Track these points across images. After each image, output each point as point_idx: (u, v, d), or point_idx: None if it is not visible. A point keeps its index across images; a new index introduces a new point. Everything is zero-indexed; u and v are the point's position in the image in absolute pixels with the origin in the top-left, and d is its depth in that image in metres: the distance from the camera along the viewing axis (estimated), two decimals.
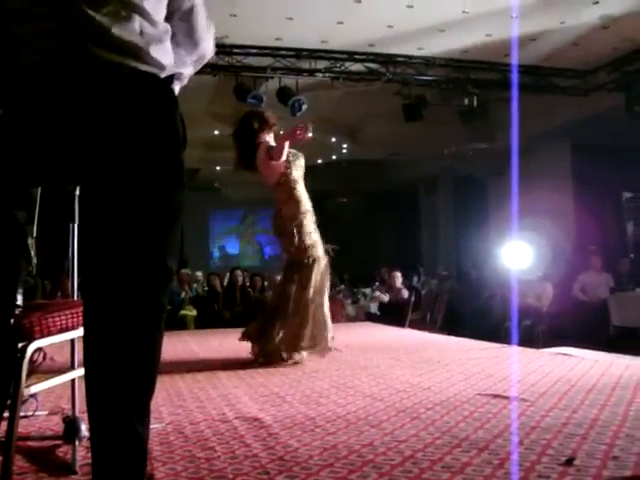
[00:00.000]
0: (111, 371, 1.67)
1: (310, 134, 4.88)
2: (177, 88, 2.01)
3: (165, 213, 1.78)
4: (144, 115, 1.76)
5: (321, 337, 4.98)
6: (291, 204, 5.11)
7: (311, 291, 5.03)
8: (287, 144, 4.94)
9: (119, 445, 1.64)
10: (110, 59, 1.74)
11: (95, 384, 1.68)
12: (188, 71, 2.04)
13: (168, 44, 1.88)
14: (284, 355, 4.95)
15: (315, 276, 5.10)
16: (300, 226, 5.09)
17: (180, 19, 1.97)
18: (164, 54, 1.84)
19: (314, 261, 5.13)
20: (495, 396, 3.38)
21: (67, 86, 1.73)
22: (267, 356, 4.92)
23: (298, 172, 5.18)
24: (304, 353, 5.00)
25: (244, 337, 5.09)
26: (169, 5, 1.91)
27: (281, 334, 4.96)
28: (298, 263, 5.13)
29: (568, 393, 3.40)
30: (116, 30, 1.73)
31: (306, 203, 5.19)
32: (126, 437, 1.65)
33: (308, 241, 5.11)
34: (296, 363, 4.90)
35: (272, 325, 4.98)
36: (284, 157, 4.98)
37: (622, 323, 9.66)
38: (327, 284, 5.27)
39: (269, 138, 5.19)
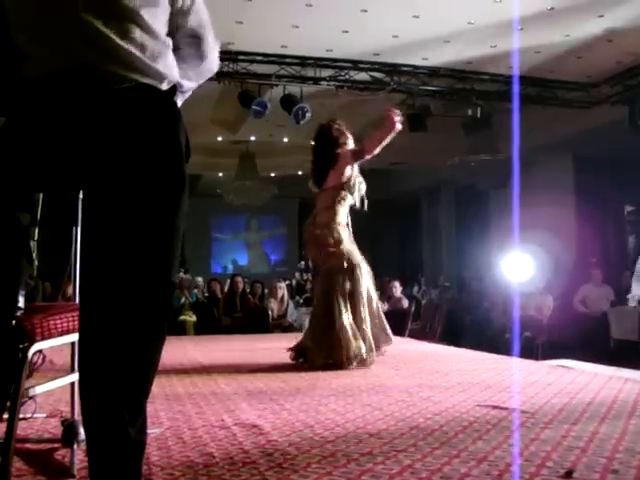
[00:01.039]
0: (106, 376, 1.67)
1: (399, 119, 5.01)
2: (180, 101, 2.01)
3: (168, 225, 1.78)
4: (146, 127, 1.76)
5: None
6: (329, 213, 5.18)
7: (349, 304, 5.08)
8: (387, 137, 5.15)
9: (113, 448, 1.65)
10: (112, 71, 1.74)
11: (89, 388, 1.69)
12: (190, 85, 2.05)
13: (170, 57, 1.89)
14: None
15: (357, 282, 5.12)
16: (333, 232, 5.13)
17: (186, 34, 1.97)
18: (166, 67, 1.85)
19: (353, 267, 5.16)
20: (495, 407, 3.37)
21: (70, 98, 1.74)
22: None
23: (351, 194, 5.32)
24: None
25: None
26: (174, 20, 1.91)
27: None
28: (334, 269, 5.17)
29: (568, 405, 3.39)
30: (118, 43, 1.74)
31: (343, 218, 5.27)
32: (120, 441, 1.65)
33: (344, 247, 5.17)
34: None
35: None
36: (377, 151, 5.13)
37: (622, 336, 9.64)
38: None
39: (349, 144, 5.33)
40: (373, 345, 5.05)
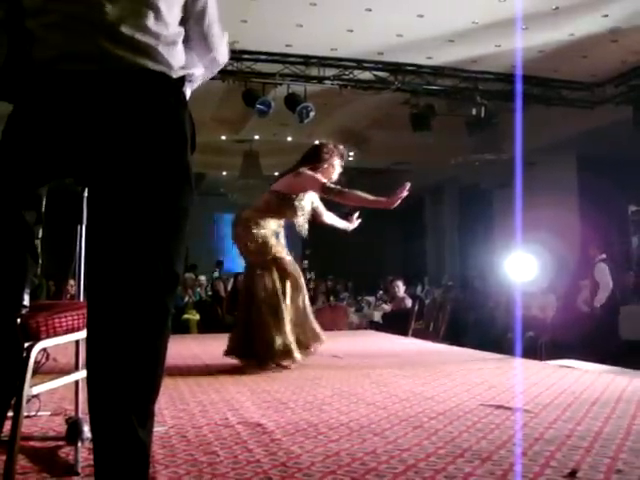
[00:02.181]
0: (113, 374, 1.67)
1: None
2: (188, 90, 2.01)
3: (172, 216, 1.78)
4: (152, 115, 1.76)
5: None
6: (267, 217, 5.07)
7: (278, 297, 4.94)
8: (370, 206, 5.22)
9: (120, 448, 1.64)
10: (122, 56, 1.75)
11: (97, 386, 1.68)
12: (200, 71, 2.05)
13: (180, 46, 1.89)
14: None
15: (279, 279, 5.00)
16: (253, 229, 5.01)
17: (196, 26, 1.97)
18: (176, 55, 1.85)
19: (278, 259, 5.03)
20: (498, 407, 3.36)
21: (78, 84, 1.74)
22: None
23: (302, 212, 5.14)
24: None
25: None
26: (185, 11, 1.92)
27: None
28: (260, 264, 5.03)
29: (572, 405, 3.39)
30: (130, 28, 1.75)
31: (278, 228, 5.16)
32: (127, 440, 1.65)
33: (271, 243, 5.04)
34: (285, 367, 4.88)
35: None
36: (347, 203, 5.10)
37: (626, 336, 9.63)
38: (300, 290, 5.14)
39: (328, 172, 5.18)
40: (294, 343, 4.89)
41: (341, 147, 5.39)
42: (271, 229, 5.08)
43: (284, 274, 5.02)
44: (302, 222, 5.18)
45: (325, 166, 5.16)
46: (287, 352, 4.82)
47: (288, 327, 4.87)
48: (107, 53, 1.74)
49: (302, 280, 5.18)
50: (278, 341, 4.79)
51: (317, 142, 5.50)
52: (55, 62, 1.76)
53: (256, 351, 4.84)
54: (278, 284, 4.96)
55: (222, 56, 2.13)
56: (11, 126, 1.80)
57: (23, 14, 1.81)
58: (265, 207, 5.09)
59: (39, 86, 1.79)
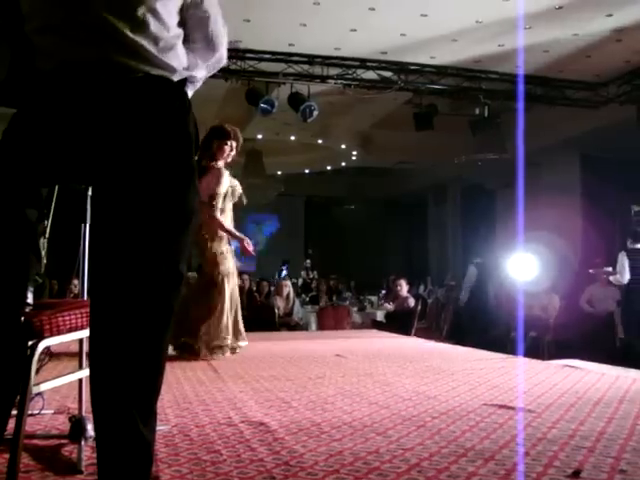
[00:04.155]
0: (116, 372, 1.67)
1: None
2: (190, 91, 2.01)
3: (177, 217, 1.78)
4: (157, 118, 1.77)
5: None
6: (210, 224, 5.32)
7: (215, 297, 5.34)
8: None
9: (123, 447, 1.64)
10: (124, 62, 1.75)
11: (100, 385, 1.69)
12: (201, 74, 2.05)
13: (180, 48, 1.89)
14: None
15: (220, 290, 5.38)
16: (212, 245, 5.37)
17: (197, 26, 1.97)
18: (176, 58, 1.85)
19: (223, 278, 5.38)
20: (501, 406, 3.37)
21: (82, 89, 1.75)
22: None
23: (227, 202, 5.46)
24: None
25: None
26: (186, 11, 1.91)
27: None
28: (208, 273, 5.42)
29: (575, 405, 3.39)
30: (131, 34, 1.75)
31: (227, 222, 5.45)
32: (130, 439, 1.65)
33: (219, 257, 5.37)
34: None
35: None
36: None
37: (628, 336, 9.63)
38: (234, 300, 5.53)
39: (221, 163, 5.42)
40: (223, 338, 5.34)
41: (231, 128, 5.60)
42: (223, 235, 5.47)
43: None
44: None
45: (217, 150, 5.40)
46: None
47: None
48: (108, 60, 1.75)
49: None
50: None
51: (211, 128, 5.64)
52: (57, 68, 1.76)
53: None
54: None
55: (224, 57, 2.13)
56: (15, 126, 1.81)
57: (22, 22, 1.82)
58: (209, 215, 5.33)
59: (43, 92, 1.79)
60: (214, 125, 5.62)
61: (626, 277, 9.69)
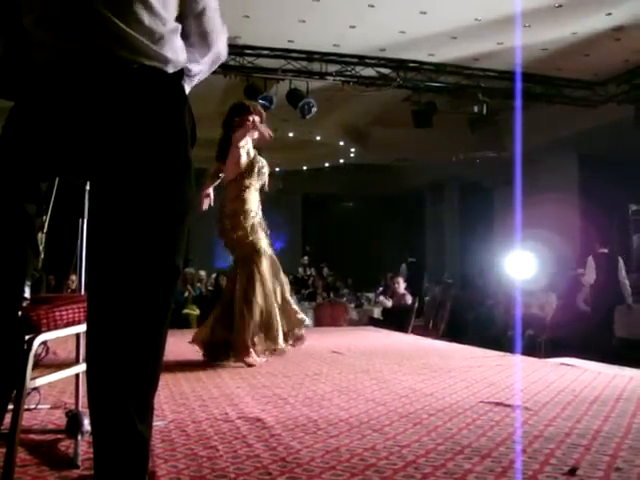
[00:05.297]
0: (113, 367, 1.66)
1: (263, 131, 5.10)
2: (187, 87, 2.01)
3: (173, 210, 1.78)
4: (152, 111, 1.76)
5: (269, 336, 4.90)
6: (237, 203, 5.08)
7: (257, 287, 4.92)
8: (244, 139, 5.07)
9: (120, 442, 1.64)
10: (120, 54, 1.75)
11: (97, 380, 1.68)
12: (198, 68, 2.04)
13: (177, 41, 1.88)
14: (232, 360, 4.89)
15: (259, 270, 4.98)
16: (242, 220, 5.03)
17: (193, 20, 1.97)
18: (173, 51, 1.85)
19: (257, 253, 5.01)
20: (498, 404, 3.37)
21: (77, 82, 1.74)
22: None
23: (254, 180, 5.20)
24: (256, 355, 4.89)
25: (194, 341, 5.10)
26: (182, 6, 1.91)
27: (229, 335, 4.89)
28: (242, 258, 5.06)
29: (571, 403, 3.39)
30: (125, 27, 1.74)
31: (253, 206, 5.16)
32: (127, 435, 1.64)
33: (250, 236, 5.03)
34: (250, 365, 4.78)
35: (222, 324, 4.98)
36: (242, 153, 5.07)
37: (626, 335, 9.64)
38: (279, 279, 5.13)
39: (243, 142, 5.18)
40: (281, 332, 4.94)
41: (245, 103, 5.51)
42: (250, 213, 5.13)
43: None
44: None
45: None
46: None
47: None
48: (103, 52, 1.74)
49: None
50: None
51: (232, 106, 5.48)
52: (53, 61, 1.76)
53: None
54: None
55: (223, 52, 2.12)
56: (12, 120, 1.80)
57: (19, 13, 1.81)
58: (237, 192, 5.14)
59: (39, 83, 1.79)
60: (233, 104, 5.45)
61: (591, 278, 9.97)
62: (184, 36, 1.94)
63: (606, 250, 10.04)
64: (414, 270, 16.60)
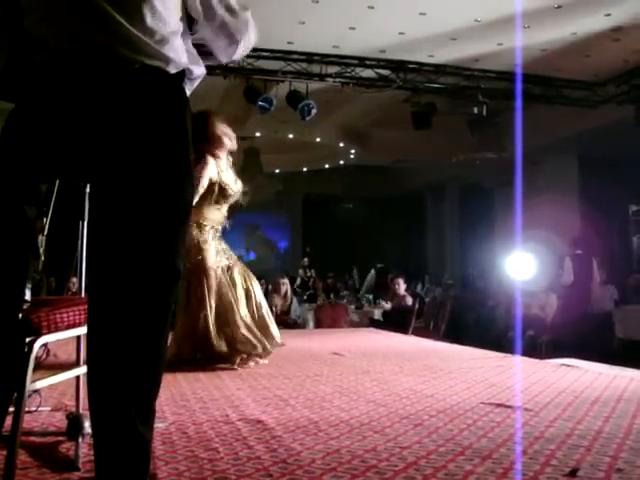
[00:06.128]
0: (114, 370, 1.67)
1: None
2: (188, 89, 2.01)
3: (173, 212, 1.78)
4: (154, 112, 1.76)
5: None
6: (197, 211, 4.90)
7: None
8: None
9: (121, 445, 1.64)
10: (120, 54, 1.75)
11: (98, 382, 1.68)
12: (201, 70, 2.05)
13: (179, 43, 1.89)
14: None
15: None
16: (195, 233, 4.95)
17: (205, 24, 1.98)
18: (174, 51, 1.85)
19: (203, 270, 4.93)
20: (498, 405, 3.36)
21: (78, 83, 1.74)
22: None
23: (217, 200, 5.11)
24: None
25: None
26: (189, 10, 1.92)
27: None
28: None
29: (572, 404, 3.39)
30: (127, 26, 1.75)
31: (213, 216, 5.08)
32: (128, 437, 1.64)
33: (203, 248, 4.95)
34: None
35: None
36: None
37: (626, 336, 9.64)
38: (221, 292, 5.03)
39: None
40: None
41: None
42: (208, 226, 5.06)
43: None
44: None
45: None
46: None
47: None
48: (104, 51, 1.74)
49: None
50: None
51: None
52: (54, 60, 1.76)
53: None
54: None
55: (253, 35, 2.15)
56: (13, 122, 1.80)
57: (21, 14, 1.81)
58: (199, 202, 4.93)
59: (39, 84, 1.79)
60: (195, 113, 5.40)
61: (565, 279, 10.05)
62: (202, 39, 1.97)
63: (580, 252, 10.10)
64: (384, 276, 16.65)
